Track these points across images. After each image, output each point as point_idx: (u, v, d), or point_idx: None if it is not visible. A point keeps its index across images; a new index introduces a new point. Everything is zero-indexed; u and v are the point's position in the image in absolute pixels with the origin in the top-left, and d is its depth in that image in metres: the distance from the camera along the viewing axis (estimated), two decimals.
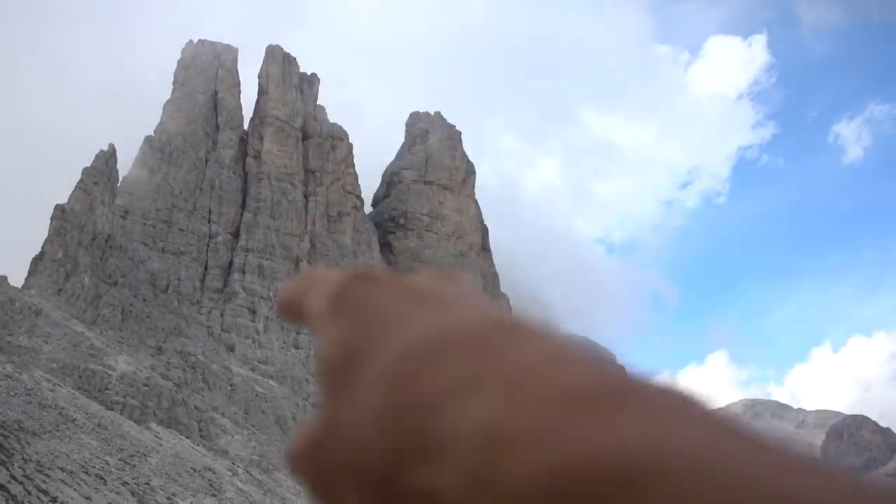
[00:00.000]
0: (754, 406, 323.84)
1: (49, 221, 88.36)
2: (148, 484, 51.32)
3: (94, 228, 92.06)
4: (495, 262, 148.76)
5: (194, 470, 57.76)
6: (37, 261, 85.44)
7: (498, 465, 0.29)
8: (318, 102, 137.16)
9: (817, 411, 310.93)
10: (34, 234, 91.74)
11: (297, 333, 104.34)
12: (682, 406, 0.30)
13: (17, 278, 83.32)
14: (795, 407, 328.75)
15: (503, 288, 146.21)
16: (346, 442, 0.35)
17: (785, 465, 0.28)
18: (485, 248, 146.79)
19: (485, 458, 0.29)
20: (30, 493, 41.14)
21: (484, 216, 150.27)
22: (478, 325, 0.36)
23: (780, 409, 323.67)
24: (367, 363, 0.37)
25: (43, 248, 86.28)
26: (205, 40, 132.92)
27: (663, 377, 0.32)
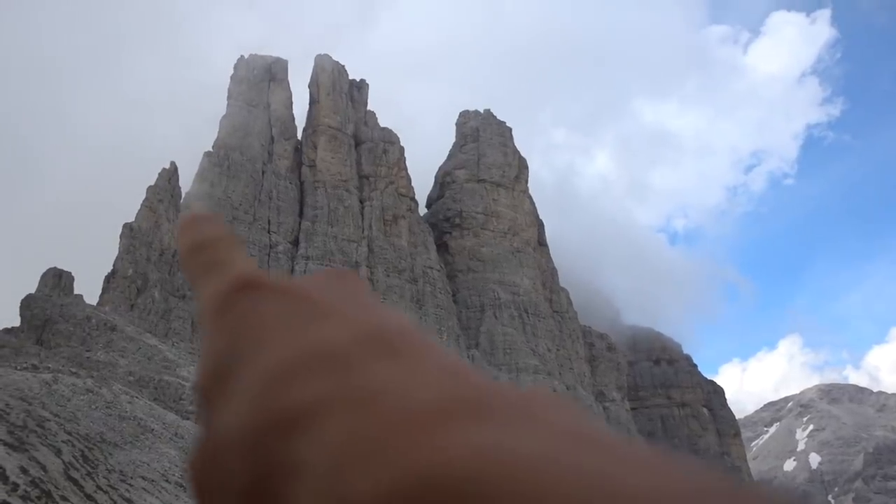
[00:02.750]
0: (831, 391, 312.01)
1: (119, 239, 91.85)
2: None
3: (162, 244, 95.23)
4: (554, 256, 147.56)
5: None
6: (109, 278, 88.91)
7: (343, 487, 0.29)
8: (369, 108, 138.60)
9: None
10: (107, 252, 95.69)
11: None
12: (529, 415, 0.30)
13: (92, 296, 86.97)
14: (875, 390, 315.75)
15: (562, 282, 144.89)
16: (217, 459, 0.36)
17: (626, 465, 0.28)
18: (541, 244, 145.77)
19: (333, 480, 0.30)
20: (115, 503, 42.81)
21: (540, 211, 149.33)
22: (345, 341, 0.36)
23: (859, 392, 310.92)
24: (235, 380, 0.37)
25: (114, 265, 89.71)
26: (255, 54, 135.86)
27: (530, 389, 0.32)
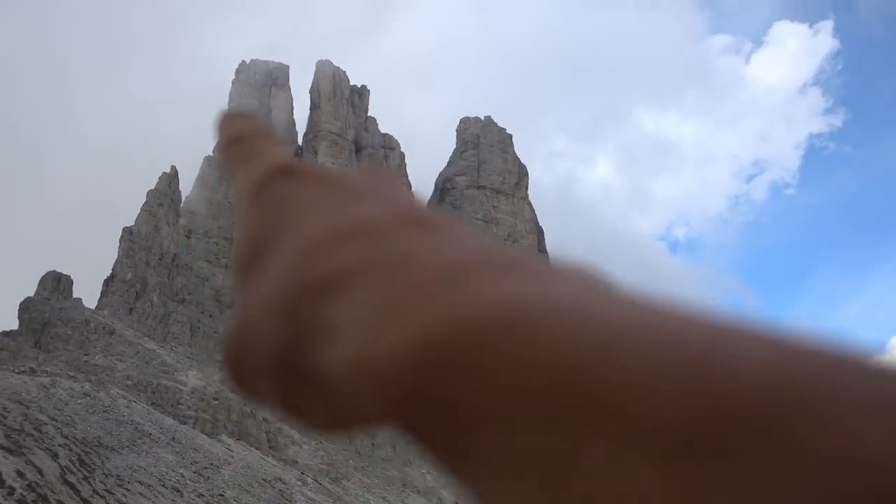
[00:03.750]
0: None
1: (118, 244, 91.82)
2: (222, 495, 52.68)
3: (161, 249, 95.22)
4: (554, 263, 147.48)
5: (265, 480, 59.01)
6: (108, 282, 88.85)
7: (376, 345, 0.30)
8: (369, 114, 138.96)
9: None
10: (106, 255, 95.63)
11: None
12: (558, 273, 0.31)
13: (90, 300, 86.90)
14: None
15: None
16: (251, 327, 0.36)
17: (655, 314, 0.27)
18: (542, 251, 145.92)
19: (365, 339, 0.30)
20: None
21: (540, 218, 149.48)
22: (379, 217, 0.37)
23: None
24: (272, 254, 0.38)
25: (113, 269, 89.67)
26: (257, 59, 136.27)
27: (557, 259, 0.33)
